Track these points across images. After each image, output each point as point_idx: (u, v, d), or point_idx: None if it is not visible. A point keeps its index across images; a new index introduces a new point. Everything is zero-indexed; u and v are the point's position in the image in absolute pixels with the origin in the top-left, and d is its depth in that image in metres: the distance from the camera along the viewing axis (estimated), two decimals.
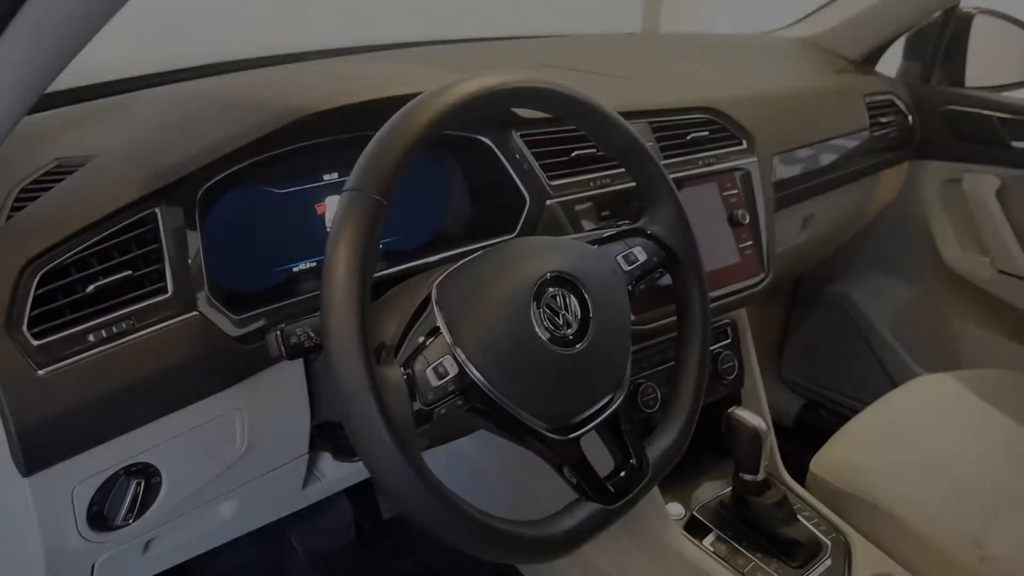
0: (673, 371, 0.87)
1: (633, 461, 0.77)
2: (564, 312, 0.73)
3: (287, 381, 0.84)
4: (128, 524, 0.76)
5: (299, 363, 0.85)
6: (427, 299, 0.71)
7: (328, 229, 0.86)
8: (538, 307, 0.71)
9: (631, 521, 1.14)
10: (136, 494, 0.75)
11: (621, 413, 0.77)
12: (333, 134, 0.86)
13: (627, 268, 0.82)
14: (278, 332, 0.69)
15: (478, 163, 1.00)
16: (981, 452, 1.29)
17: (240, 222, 0.85)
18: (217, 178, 0.77)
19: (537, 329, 0.70)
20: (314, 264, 0.91)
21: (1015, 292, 1.69)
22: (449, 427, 0.83)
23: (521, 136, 1.01)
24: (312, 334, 0.69)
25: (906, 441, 1.30)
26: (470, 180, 1.03)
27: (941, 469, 1.25)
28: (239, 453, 0.83)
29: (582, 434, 0.73)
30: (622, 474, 0.77)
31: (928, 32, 1.80)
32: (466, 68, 0.98)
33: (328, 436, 0.94)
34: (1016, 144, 1.66)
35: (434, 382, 0.65)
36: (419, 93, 0.69)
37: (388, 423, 0.59)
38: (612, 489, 0.75)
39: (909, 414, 1.38)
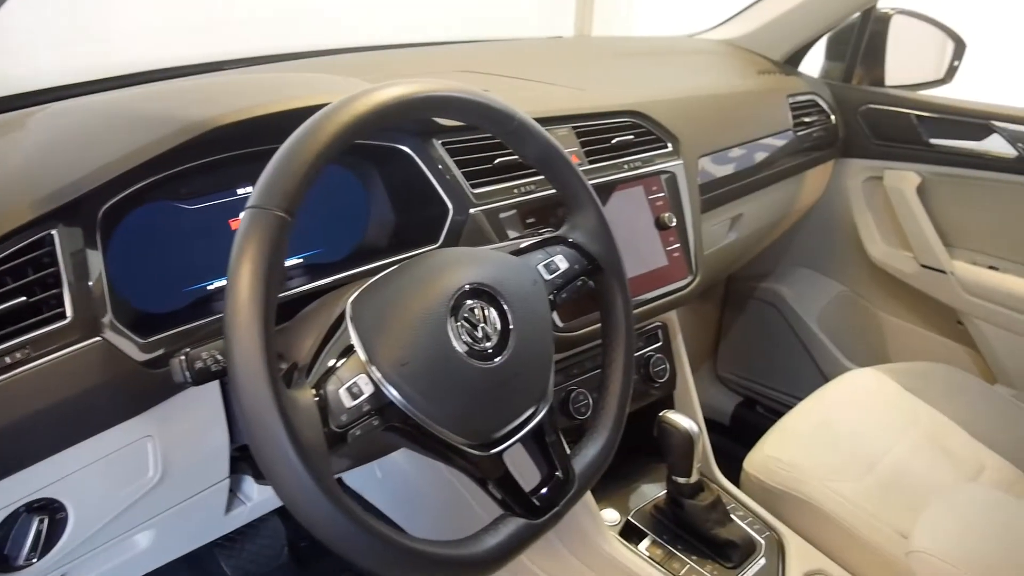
0: (600, 377, 0.86)
1: (559, 473, 0.76)
2: (483, 325, 0.71)
3: (203, 404, 0.81)
4: (31, 564, 0.72)
5: (215, 385, 0.82)
6: (341, 316, 0.69)
7: None
8: (456, 321, 0.70)
9: (566, 529, 1.13)
10: (39, 532, 0.71)
11: (545, 425, 0.75)
12: (245, 147, 0.84)
13: (548, 277, 0.80)
14: (182, 357, 0.66)
15: (399, 172, 0.98)
16: (909, 445, 1.31)
17: (148, 241, 0.82)
18: (120, 196, 0.74)
19: (455, 343, 0.68)
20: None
21: (937, 286, 1.73)
22: (369, 447, 0.81)
23: (443, 144, 0.99)
24: (219, 357, 0.66)
25: (836, 437, 1.32)
26: (392, 190, 1.01)
27: (870, 464, 1.27)
28: (152, 482, 0.80)
29: (504, 449, 0.71)
30: (548, 487, 0.75)
31: (848, 33, 1.83)
32: (386, 76, 0.96)
33: (249, 459, 0.91)
34: (934, 141, 1.70)
35: (348, 403, 0.63)
36: (321, 104, 0.67)
37: (297, 448, 0.57)
38: (537, 503, 0.74)
39: (839, 409, 1.40)
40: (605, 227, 0.85)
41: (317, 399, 0.62)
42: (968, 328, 1.73)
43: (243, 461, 0.92)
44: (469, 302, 0.71)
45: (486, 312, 0.72)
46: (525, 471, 0.75)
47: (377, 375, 0.65)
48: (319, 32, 2.21)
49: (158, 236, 0.83)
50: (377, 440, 0.70)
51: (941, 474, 1.27)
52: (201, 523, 0.97)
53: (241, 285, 0.58)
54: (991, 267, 1.69)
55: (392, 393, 0.65)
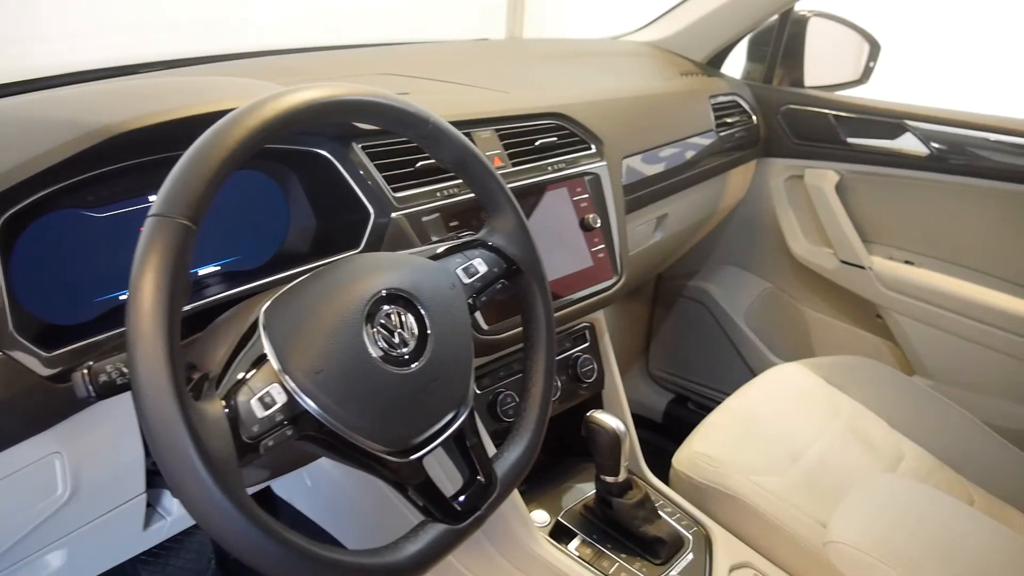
0: (522, 379, 0.86)
1: (481, 477, 0.76)
2: (400, 331, 0.71)
3: (114, 418, 0.79)
4: None
5: (127, 397, 0.79)
6: (254, 324, 0.68)
7: None
8: (372, 327, 0.69)
9: (496, 532, 1.13)
10: None
11: (466, 429, 0.75)
12: (154, 152, 0.81)
13: (467, 280, 0.80)
14: (85, 371, 0.63)
15: (319, 177, 0.97)
16: (831, 437, 1.35)
17: (55, 250, 0.79)
18: (21, 205, 0.71)
19: (371, 349, 0.68)
20: None
21: (856, 281, 1.78)
22: (285, 457, 0.80)
23: (363, 148, 0.98)
24: (125, 370, 0.64)
25: (761, 431, 1.35)
26: (312, 195, 1.00)
27: (794, 457, 1.29)
28: (62, 500, 0.77)
29: (424, 455, 0.71)
30: (469, 491, 0.75)
31: (767, 35, 1.88)
32: (306, 79, 0.94)
33: None
34: (851, 140, 1.75)
35: (260, 413, 0.62)
36: (228, 109, 0.66)
37: (205, 461, 0.56)
38: (459, 508, 0.73)
39: (764, 404, 1.43)
40: (524, 229, 0.85)
41: (227, 410, 0.60)
42: (887, 321, 1.78)
43: (160, 475, 0.89)
44: (385, 308, 0.71)
45: (403, 318, 0.72)
46: (449, 475, 0.75)
47: (290, 384, 0.64)
48: (245, 35, 2.17)
49: (65, 245, 0.80)
50: (293, 450, 0.68)
51: (862, 465, 1.30)
52: (117, 540, 0.94)
53: (143, 296, 0.57)
54: (907, 262, 1.75)
55: (306, 402, 0.64)
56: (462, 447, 0.76)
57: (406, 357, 0.70)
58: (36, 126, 0.78)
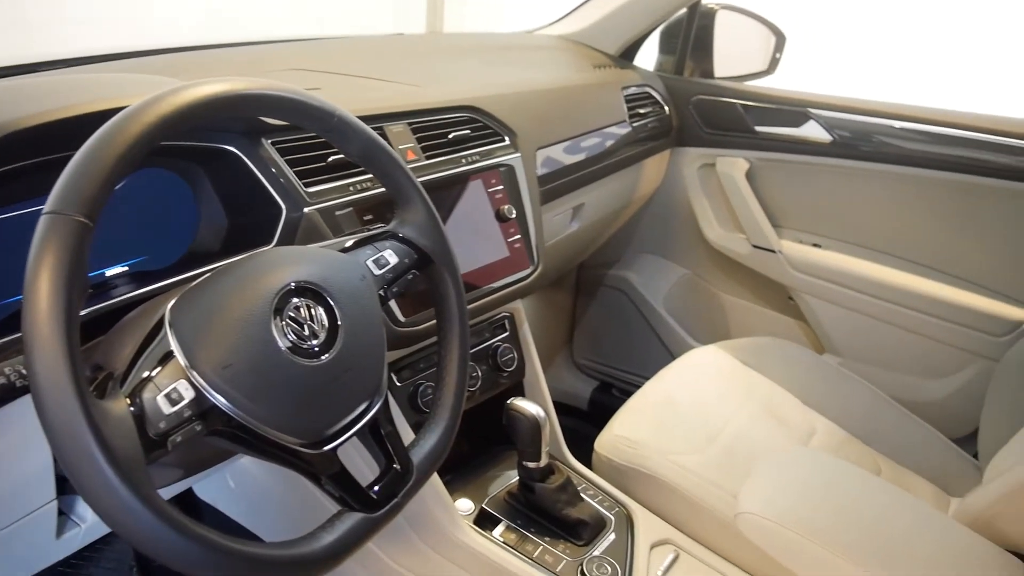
0: (437, 368, 0.87)
1: (396, 466, 0.76)
2: (309, 323, 0.71)
3: (17, 423, 0.76)
4: None
5: (28, 402, 0.77)
6: (160, 322, 0.67)
7: None
8: (280, 320, 0.69)
9: (421, 522, 1.14)
10: None
11: (380, 419, 0.75)
12: (47, 152, 0.79)
13: (378, 272, 0.80)
14: None
15: (228, 174, 0.96)
16: (746, 416, 1.39)
17: None
18: None
19: (280, 343, 0.68)
20: None
21: (768, 265, 1.84)
22: (196, 455, 0.79)
23: (272, 144, 0.97)
24: (24, 372, 0.63)
25: (679, 413, 1.38)
26: (222, 192, 0.98)
27: (711, 436, 1.33)
28: None
29: (338, 445, 0.71)
30: (385, 480, 0.76)
31: (678, 28, 1.92)
32: (215, 75, 0.93)
33: None
34: (760, 129, 1.81)
35: (166, 410, 0.61)
36: (118, 108, 0.65)
37: (109, 460, 0.55)
38: (375, 496, 0.74)
39: (682, 387, 1.46)
40: (434, 220, 0.86)
41: (132, 408, 0.60)
42: (798, 303, 1.85)
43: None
44: (294, 300, 0.71)
45: (312, 310, 0.72)
46: (366, 465, 0.75)
47: (198, 379, 0.63)
48: (157, 32, 2.13)
49: None
50: (204, 447, 0.68)
51: (775, 441, 1.35)
52: (28, 551, 0.91)
53: (39, 295, 0.56)
54: (815, 245, 1.81)
55: (214, 397, 0.63)
56: (377, 436, 0.76)
57: (316, 349, 0.70)
58: None
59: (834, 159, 1.73)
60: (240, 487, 1.37)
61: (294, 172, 0.98)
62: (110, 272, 0.88)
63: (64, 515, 0.93)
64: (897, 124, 1.66)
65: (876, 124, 1.68)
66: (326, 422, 0.71)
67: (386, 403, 0.77)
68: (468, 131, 1.24)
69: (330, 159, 1.02)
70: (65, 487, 0.87)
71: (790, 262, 1.80)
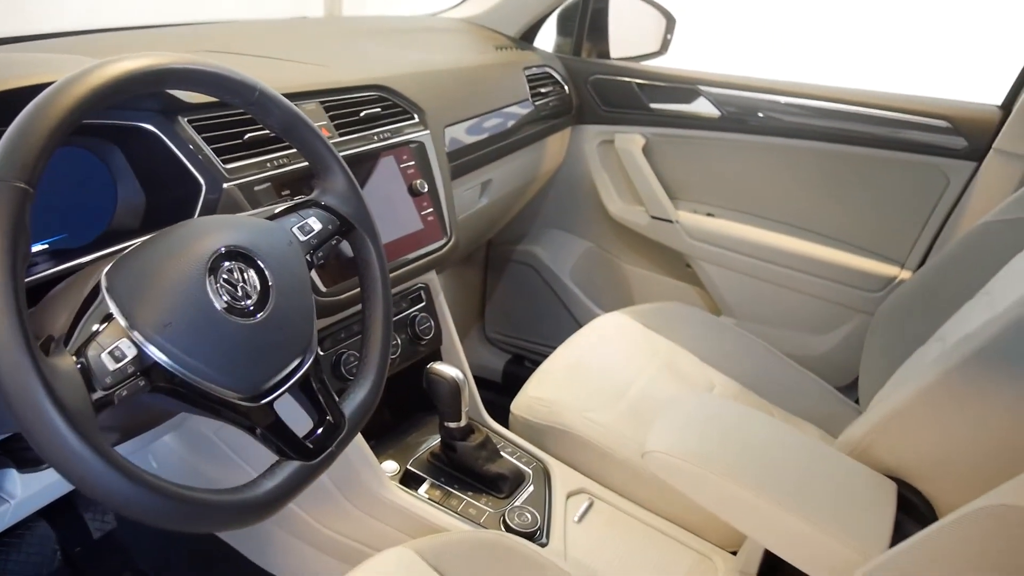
0: (362, 328, 0.91)
1: (329, 418, 0.81)
2: (242, 284, 0.74)
3: None
4: None
5: None
6: (96, 288, 0.70)
7: None
8: (215, 282, 0.72)
9: (348, 485, 1.19)
10: None
11: (312, 375, 0.80)
12: None
13: (303, 238, 0.85)
14: None
15: (145, 152, 0.98)
16: (651, 374, 1.48)
17: None
18: None
19: (215, 303, 0.71)
20: None
21: (666, 234, 1.95)
22: (137, 414, 0.82)
23: (189, 121, 0.99)
24: None
25: (589, 374, 1.46)
26: (139, 170, 1.00)
27: (619, 393, 1.42)
28: None
29: (274, 398, 0.75)
30: (319, 431, 0.80)
31: (574, 11, 2.00)
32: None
33: (8, 449, 0.88)
34: (654, 106, 1.91)
35: (111, 366, 0.64)
36: (46, 83, 0.67)
37: (61, 412, 0.58)
38: (311, 447, 0.78)
39: (590, 350, 1.54)
40: (354, 188, 0.90)
41: (79, 365, 0.63)
42: (695, 269, 1.96)
43: (2, 454, 0.89)
44: (226, 264, 0.74)
45: (244, 273, 0.75)
46: (300, 419, 0.79)
47: (139, 338, 0.66)
48: (51, 15, 2.07)
49: None
50: (145, 406, 0.71)
51: (678, 395, 1.45)
52: None
53: None
54: (709, 214, 1.93)
55: (156, 354, 0.67)
56: (309, 391, 0.80)
57: (250, 308, 0.74)
58: None
59: (724, 133, 1.84)
60: (163, 466, 1.38)
61: (212, 149, 1.00)
62: (36, 248, 0.89)
63: None
64: (779, 99, 1.78)
65: (761, 99, 1.80)
66: (262, 377, 0.75)
67: (316, 360, 0.81)
68: (379, 109, 1.28)
69: (246, 136, 1.05)
70: None
71: (686, 231, 1.91)
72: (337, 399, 0.84)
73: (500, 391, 2.26)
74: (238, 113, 1.04)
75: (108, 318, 0.67)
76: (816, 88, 1.74)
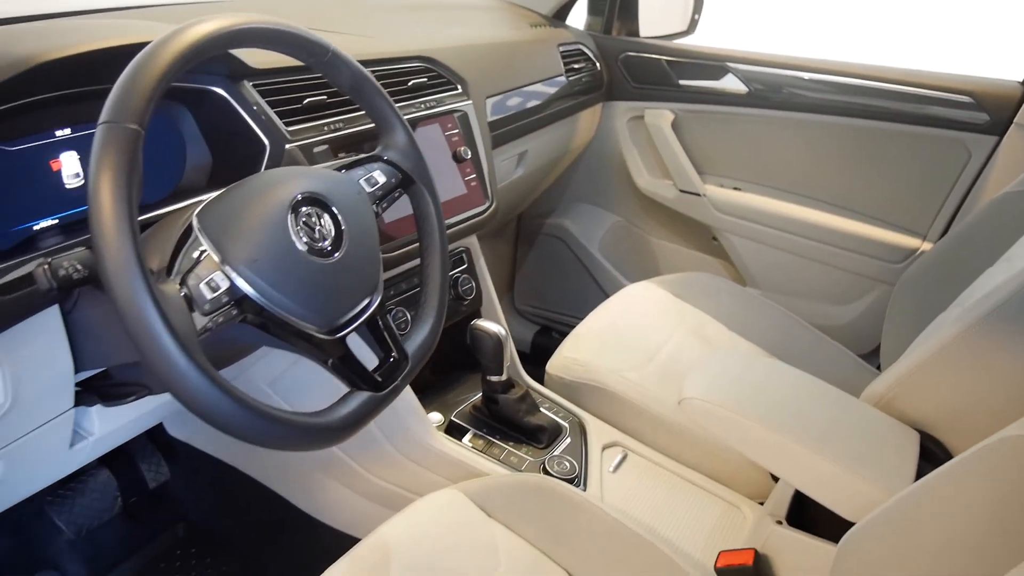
0: (420, 276, 0.98)
1: (394, 355, 0.88)
2: (319, 227, 0.81)
3: (46, 332, 0.85)
4: None
5: (57, 314, 0.85)
6: (188, 228, 0.76)
7: (66, 184, 0.89)
8: (296, 224, 0.79)
9: (396, 433, 1.26)
10: None
11: (378, 315, 0.87)
12: (63, 88, 0.87)
13: (370, 190, 0.91)
14: (45, 266, 0.71)
15: (214, 114, 1.04)
16: (678, 339, 1.54)
17: None
18: None
19: (297, 243, 0.78)
20: (54, 221, 0.91)
21: (694, 207, 2.01)
22: (224, 350, 0.89)
23: (254, 86, 1.06)
24: (79, 267, 0.72)
25: (621, 337, 1.52)
26: (207, 131, 1.06)
27: (649, 355, 1.48)
28: (4, 408, 0.83)
29: (348, 333, 0.82)
30: (385, 367, 0.87)
31: None
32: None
33: (94, 387, 0.95)
34: (683, 82, 1.96)
35: (208, 295, 0.71)
36: (145, 42, 0.74)
37: (171, 332, 0.65)
38: (379, 379, 0.85)
39: (621, 316, 1.61)
40: (414, 145, 0.97)
41: (183, 293, 0.70)
42: (721, 242, 2.02)
43: (87, 391, 0.96)
44: (304, 209, 0.81)
45: (320, 218, 0.82)
46: (366, 356, 0.86)
47: (231, 271, 0.73)
48: None
49: None
50: (231, 340, 0.78)
51: (704, 356, 1.51)
52: (48, 456, 0.99)
53: (103, 194, 0.65)
54: (735, 188, 1.98)
55: (246, 287, 0.73)
56: (376, 330, 0.87)
57: (327, 249, 0.81)
58: None
59: (750, 108, 1.89)
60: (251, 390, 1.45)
61: (274, 112, 1.07)
62: None
63: (75, 431, 1.01)
64: (805, 75, 1.83)
65: (787, 76, 1.85)
66: (337, 313, 0.81)
67: (383, 302, 0.88)
68: (425, 79, 1.35)
69: (306, 100, 1.12)
70: (79, 399, 0.96)
71: (713, 204, 1.96)
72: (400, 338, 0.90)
73: (529, 361, 2.33)
74: (298, 79, 1.11)
75: (202, 255, 0.74)
76: (841, 65, 1.78)
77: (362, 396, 0.83)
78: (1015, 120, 1.60)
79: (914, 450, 1.06)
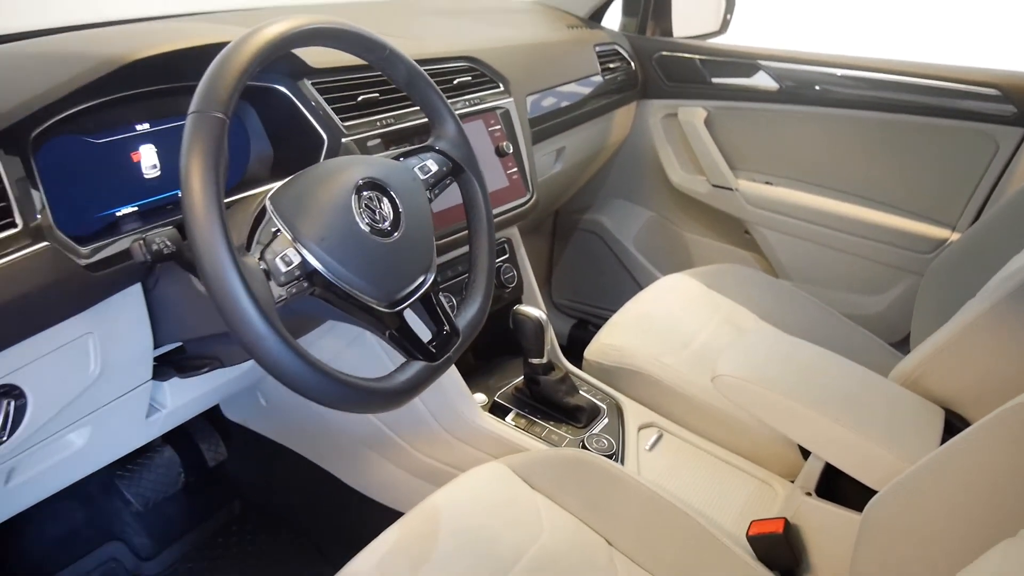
0: (469, 257, 1.05)
1: (446, 328, 0.95)
2: (379, 210, 0.89)
3: (130, 308, 0.93)
4: (1, 442, 0.82)
5: (140, 292, 0.94)
6: (263, 211, 0.84)
7: (144, 175, 0.97)
8: (359, 206, 0.87)
9: (443, 413, 1.33)
10: (7, 413, 0.82)
11: (432, 292, 0.94)
12: (143, 85, 0.95)
13: (423, 177, 0.98)
14: (141, 241, 0.79)
15: (276, 110, 1.12)
16: (712, 328, 1.60)
17: (65, 171, 0.91)
18: (44, 126, 0.85)
19: (360, 224, 0.85)
20: (134, 208, 1.00)
21: (726, 201, 2.06)
22: (294, 321, 0.97)
23: (313, 84, 1.14)
24: (168, 243, 0.80)
25: (656, 325, 1.58)
26: (269, 127, 1.15)
27: (685, 342, 1.54)
28: (94, 376, 0.91)
29: (405, 307, 0.89)
30: (439, 339, 0.94)
31: None
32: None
33: (171, 360, 1.04)
34: (715, 80, 2.02)
35: (283, 268, 0.78)
36: (223, 43, 0.81)
37: (252, 297, 0.72)
38: (433, 350, 0.92)
39: (656, 306, 1.66)
40: (464, 136, 1.04)
41: (262, 265, 0.77)
42: (753, 235, 2.07)
43: (164, 364, 1.04)
44: (366, 193, 0.88)
45: (380, 202, 0.89)
46: (421, 330, 0.93)
47: (302, 249, 0.81)
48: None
49: (72, 168, 0.93)
50: (300, 312, 0.85)
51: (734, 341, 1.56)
52: (128, 425, 1.08)
53: (194, 175, 0.72)
54: (767, 183, 2.03)
55: (315, 263, 0.81)
56: (429, 306, 0.94)
57: (388, 230, 0.88)
58: (54, 61, 0.91)
59: (781, 104, 1.95)
60: (271, 403, 1.54)
61: (331, 108, 1.15)
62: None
63: (150, 403, 1.10)
64: (834, 71, 1.88)
65: (817, 72, 1.90)
66: (396, 288, 0.89)
67: (436, 280, 0.95)
68: (470, 78, 1.43)
69: (360, 98, 1.20)
70: (157, 372, 1.04)
71: (746, 198, 2.02)
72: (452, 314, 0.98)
73: (566, 354, 2.40)
74: (353, 77, 1.19)
75: (276, 233, 0.82)
76: (870, 60, 1.83)
77: (418, 365, 0.90)
78: None
79: (939, 424, 1.11)
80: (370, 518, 1.52)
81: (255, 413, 1.61)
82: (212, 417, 1.64)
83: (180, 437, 1.59)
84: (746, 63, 1.97)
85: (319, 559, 1.60)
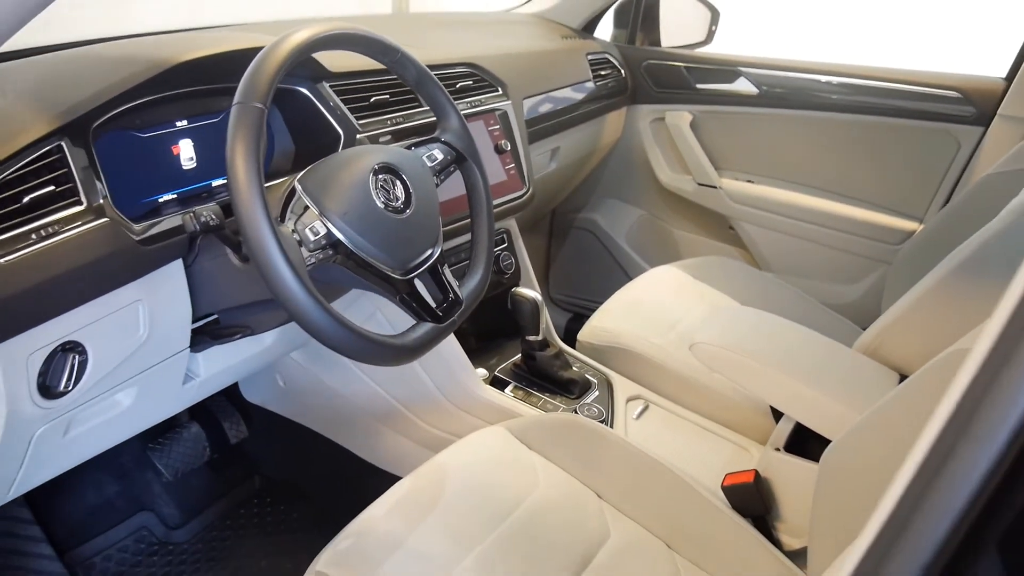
0: (471, 236, 1.18)
1: (452, 295, 1.08)
2: (393, 190, 1.02)
3: (173, 279, 1.05)
4: (68, 392, 0.95)
5: (181, 266, 1.06)
6: (292, 190, 0.98)
7: (183, 166, 1.11)
8: (376, 187, 1.00)
9: (447, 385, 1.46)
10: (72, 366, 0.94)
11: (439, 263, 1.07)
12: (185, 86, 1.09)
13: (431, 164, 1.12)
14: (191, 214, 0.92)
15: (297, 110, 1.26)
16: (698, 314, 1.72)
17: (117, 161, 1.04)
18: (103, 119, 0.97)
19: (377, 201, 0.98)
20: (174, 196, 1.13)
21: (711, 199, 2.20)
22: (324, 287, 1.10)
23: (331, 87, 1.27)
24: (214, 216, 0.93)
25: (645, 310, 1.71)
26: (290, 124, 1.28)
27: (670, 326, 1.66)
28: (142, 339, 1.03)
29: (416, 275, 1.02)
30: (445, 304, 1.06)
31: (629, 5, 2.27)
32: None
33: (208, 329, 1.17)
34: (700, 86, 2.16)
35: (312, 237, 0.91)
36: (257, 47, 0.94)
37: (287, 259, 0.85)
38: (440, 314, 1.05)
39: (645, 294, 1.79)
40: (466, 129, 1.17)
41: (295, 234, 0.91)
42: (737, 230, 2.20)
43: (201, 333, 1.17)
44: (382, 175, 1.01)
45: (394, 183, 1.03)
46: (429, 297, 1.06)
47: (328, 222, 0.94)
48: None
49: (123, 157, 1.06)
50: (325, 280, 0.98)
51: None
52: (166, 389, 1.19)
53: (238, 157, 0.85)
54: (749, 181, 2.16)
55: (339, 234, 0.94)
56: (436, 276, 1.07)
57: (400, 207, 1.01)
58: (110, 62, 1.04)
59: (761, 108, 2.09)
60: (288, 384, 1.67)
61: (347, 108, 1.28)
62: (216, 183, 1.18)
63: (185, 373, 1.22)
64: (809, 77, 2.02)
65: (793, 78, 2.04)
66: (408, 258, 1.01)
67: (442, 253, 1.08)
68: (471, 82, 1.56)
69: (372, 99, 1.33)
70: (194, 340, 1.17)
71: (729, 196, 2.15)
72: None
73: None
74: (366, 80, 1.32)
75: (305, 208, 0.95)
76: (843, 67, 1.97)
77: (427, 326, 1.03)
78: (999, 112, 1.77)
79: (892, 385, 1.23)
80: (382, 488, 1.64)
81: (273, 394, 1.73)
82: (233, 399, 1.77)
83: (205, 416, 1.71)
84: (728, 70, 2.11)
85: (334, 528, 1.72)
